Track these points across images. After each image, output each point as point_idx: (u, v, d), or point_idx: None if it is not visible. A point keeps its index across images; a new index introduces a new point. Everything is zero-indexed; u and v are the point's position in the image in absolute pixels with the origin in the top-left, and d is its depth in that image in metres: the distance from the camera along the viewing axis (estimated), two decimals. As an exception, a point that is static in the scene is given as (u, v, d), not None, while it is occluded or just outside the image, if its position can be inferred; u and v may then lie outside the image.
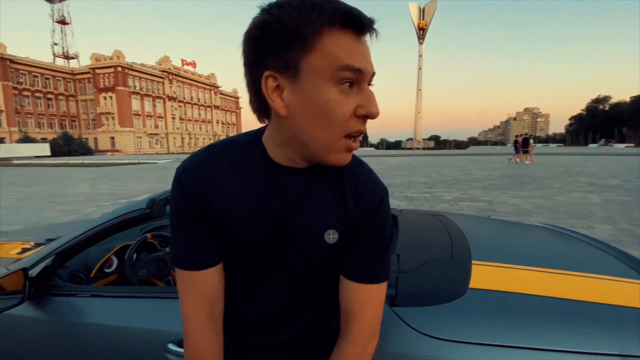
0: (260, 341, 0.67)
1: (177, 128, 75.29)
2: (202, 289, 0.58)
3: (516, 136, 17.42)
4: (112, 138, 61.17)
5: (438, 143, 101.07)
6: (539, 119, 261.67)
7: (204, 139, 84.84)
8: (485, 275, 1.08)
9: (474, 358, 0.81)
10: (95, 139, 61.80)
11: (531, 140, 16.62)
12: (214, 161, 0.57)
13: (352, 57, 0.45)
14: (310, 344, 0.68)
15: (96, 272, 1.59)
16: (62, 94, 62.03)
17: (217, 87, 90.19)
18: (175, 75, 73.68)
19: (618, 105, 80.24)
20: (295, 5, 0.44)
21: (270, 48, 0.46)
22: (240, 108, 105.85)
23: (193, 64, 79.93)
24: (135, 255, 1.62)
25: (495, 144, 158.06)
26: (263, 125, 0.59)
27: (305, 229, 0.57)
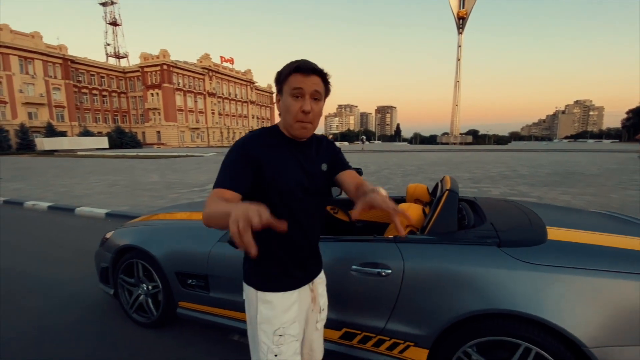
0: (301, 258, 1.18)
1: (216, 123, 78.65)
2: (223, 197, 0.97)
3: None
4: (158, 132, 65.37)
5: (476, 138, 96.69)
6: (591, 112, 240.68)
7: (241, 133, 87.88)
8: (556, 233, 1.62)
9: (549, 273, 1.38)
10: (143, 132, 66.37)
11: None
12: (259, 139, 1.09)
13: (297, 83, 1.00)
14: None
15: None
16: (115, 91, 67.08)
17: (253, 83, 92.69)
18: (215, 72, 76.75)
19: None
20: (284, 66, 1.04)
21: (276, 83, 1.09)
22: (274, 103, 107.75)
23: (231, 61, 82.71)
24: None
25: (541, 139, 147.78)
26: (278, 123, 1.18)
27: (314, 167, 1.15)
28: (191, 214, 2.67)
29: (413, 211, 1.99)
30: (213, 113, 77.22)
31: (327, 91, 1.08)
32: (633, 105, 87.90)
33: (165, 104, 63.41)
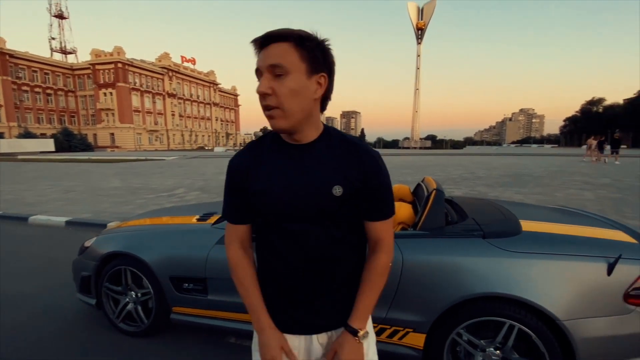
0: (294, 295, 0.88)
1: (177, 125, 75.38)
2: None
3: (593, 137, 18.83)
4: (112, 134, 61.23)
5: (435, 142, 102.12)
6: (534, 120, 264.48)
7: (203, 136, 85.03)
8: (527, 225, 1.87)
9: (527, 259, 1.61)
10: (95, 135, 61.78)
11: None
12: (249, 150, 0.90)
13: (257, 62, 0.75)
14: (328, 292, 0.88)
15: None
16: (62, 90, 61.86)
17: (217, 85, 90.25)
18: (175, 72, 73.67)
19: (612, 107, 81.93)
20: None
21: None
22: (239, 105, 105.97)
23: (193, 61, 79.91)
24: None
25: (492, 144, 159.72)
26: None
27: (314, 181, 0.82)
28: (182, 219, 2.63)
29: (404, 210, 2.16)
30: (173, 115, 73.92)
31: (310, 59, 0.75)
32: (569, 114, 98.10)
33: (120, 105, 59.61)
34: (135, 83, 62.33)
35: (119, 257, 2.35)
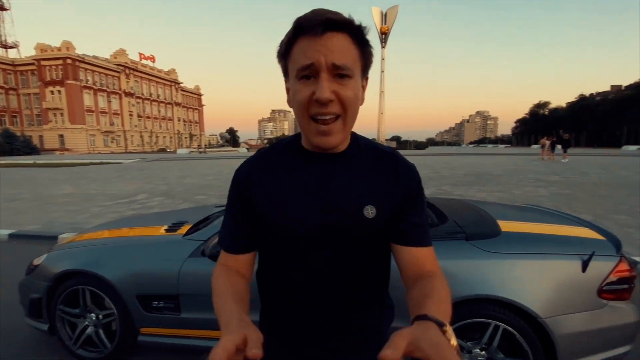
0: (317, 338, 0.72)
1: (135, 126, 71.26)
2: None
3: (547, 137, 20.33)
4: (61, 136, 56.52)
5: (399, 143, 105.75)
6: (488, 122, 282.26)
7: (165, 137, 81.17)
8: (505, 226, 1.91)
9: (509, 260, 1.64)
10: (41, 136, 56.62)
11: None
12: (259, 159, 0.73)
13: (304, 55, 0.56)
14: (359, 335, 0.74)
15: None
16: (2, 87, 56.08)
17: (178, 83, 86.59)
18: (133, 69, 69.65)
19: (556, 110, 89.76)
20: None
21: (279, 60, 0.64)
22: (202, 105, 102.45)
23: (152, 58, 76.05)
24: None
25: (453, 144, 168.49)
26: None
27: (342, 199, 0.67)
28: (148, 229, 2.41)
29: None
30: (131, 115, 69.81)
31: (365, 58, 0.62)
32: (520, 116, 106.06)
33: (70, 104, 55.18)
34: (87, 81, 58.03)
35: (75, 276, 2.09)
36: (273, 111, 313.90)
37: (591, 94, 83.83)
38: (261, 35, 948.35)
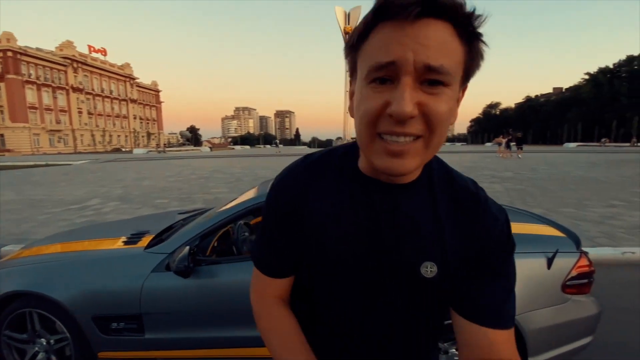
0: None
1: (86, 124, 66.09)
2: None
3: (502, 136, 21.82)
4: (1, 136, 50.98)
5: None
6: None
7: (119, 136, 76.16)
8: None
9: None
10: (-26, 136, 50.73)
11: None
12: (304, 172, 0.58)
13: (383, 50, 0.40)
14: None
15: (210, 251, 2.08)
16: None
17: (134, 79, 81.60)
18: (82, 63, 64.48)
19: (506, 110, 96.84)
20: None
21: (347, 54, 0.48)
22: (161, 102, 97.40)
23: (103, 52, 70.95)
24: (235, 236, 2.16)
25: None
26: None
27: (399, 245, 0.52)
28: (105, 242, 2.19)
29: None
30: (80, 112, 64.66)
31: (471, 60, 0.43)
32: (474, 116, 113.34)
33: (11, 100, 49.98)
34: (30, 75, 52.80)
35: (21, 298, 1.85)
36: (237, 109, 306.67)
37: (536, 96, 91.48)
38: (223, 29, 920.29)
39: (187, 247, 1.68)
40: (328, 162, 0.58)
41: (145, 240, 2.07)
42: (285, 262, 0.60)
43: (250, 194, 2.10)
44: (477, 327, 0.51)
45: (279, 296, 0.63)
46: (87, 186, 10.19)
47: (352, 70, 0.48)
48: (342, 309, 0.58)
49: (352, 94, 0.49)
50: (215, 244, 2.25)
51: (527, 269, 1.70)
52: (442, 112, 0.42)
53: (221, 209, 2.02)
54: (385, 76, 0.41)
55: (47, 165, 20.68)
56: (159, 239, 2.10)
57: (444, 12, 0.39)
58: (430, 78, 0.41)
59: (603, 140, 46.25)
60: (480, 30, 0.42)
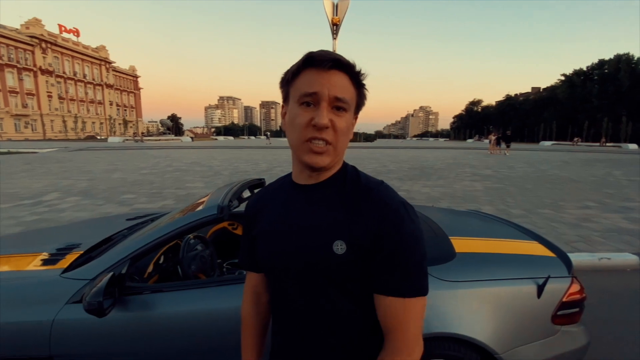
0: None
1: (56, 109, 62.61)
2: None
3: (493, 134, 22.76)
4: (-42, 119, 47.49)
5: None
6: (430, 117, 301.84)
7: (94, 122, 72.71)
8: (457, 245, 1.73)
9: (464, 289, 1.46)
10: None
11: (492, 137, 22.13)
12: (267, 187, 0.84)
13: (308, 84, 0.62)
14: None
15: (149, 273, 1.74)
16: None
17: (110, 63, 77.76)
18: (51, 43, 60.71)
19: (487, 107, 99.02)
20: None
21: (281, 86, 0.70)
22: (140, 88, 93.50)
23: (75, 32, 67.09)
24: (182, 255, 1.82)
25: (399, 137, 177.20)
26: None
27: (313, 233, 0.68)
28: (14, 259, 1.80)
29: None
30: (50, 96, 61.12)
31: (359, 99, 0.68)
32: (457, 112, 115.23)
33: (-31, 80, 46.34)
34: (-10, 54, 49.21)
35: None
36: (221, 98, 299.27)
37: (516, 94, 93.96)
38: (208, 17, 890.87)
39: (110, 275, 1.33)
40: (272, 186, 0.82)
41: (69, 259, 1.70)
42: (250, 256, 0.82)
43: (199, 204, 1.78)
44: (380, 297, 0.65)
45: (254, 287, 0.85)
46: (49, 178, 9.46)
47: (285, 97, 0.69)
48: (282, 301, 0.75)
49: (284, 114, 0.71)
50: (161, 260, 1.92)
51: (516, 298, 1.48)
52: (344, 127, 0.65)
53: (167, 221, 1.68)
54: (310, 101, 0.63)
55: (8, 152, 19.31)
56: (87, 256, 1.74)
57: (345, 68, 0.64)
58: (337, 105, 0.64)
59: (576, 139, 48.10)
60: (364, 82, 0.68)
